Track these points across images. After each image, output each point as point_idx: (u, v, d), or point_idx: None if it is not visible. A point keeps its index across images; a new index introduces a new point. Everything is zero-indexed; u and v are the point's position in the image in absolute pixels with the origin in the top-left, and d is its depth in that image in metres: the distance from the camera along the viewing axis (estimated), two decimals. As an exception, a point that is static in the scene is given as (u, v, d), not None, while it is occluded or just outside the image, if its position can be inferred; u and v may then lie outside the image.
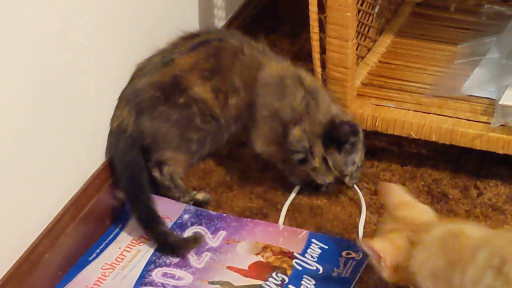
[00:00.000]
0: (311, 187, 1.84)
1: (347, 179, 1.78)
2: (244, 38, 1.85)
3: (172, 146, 1.82)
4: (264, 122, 1.80)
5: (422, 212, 1.63)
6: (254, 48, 1.83)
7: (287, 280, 1.65)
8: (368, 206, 1.80)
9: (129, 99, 1.80)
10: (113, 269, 1.70)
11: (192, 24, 2.03)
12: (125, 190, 1.76)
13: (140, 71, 1.82)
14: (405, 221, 1.59)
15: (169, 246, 1.72)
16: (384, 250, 1.56)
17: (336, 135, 1.75)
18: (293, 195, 1.86)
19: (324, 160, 1.75)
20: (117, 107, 1.80)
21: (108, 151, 1.79)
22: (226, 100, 1.82)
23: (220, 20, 2.16)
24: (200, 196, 1.85)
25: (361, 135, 1.75)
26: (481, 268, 1.45)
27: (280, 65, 1.81)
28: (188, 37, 1.86)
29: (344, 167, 1.75)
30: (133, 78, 1.82)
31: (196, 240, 1.72)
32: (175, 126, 1.81)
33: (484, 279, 1.45)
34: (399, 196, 1.64)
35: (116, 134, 1.78)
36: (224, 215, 1.82)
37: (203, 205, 1.83)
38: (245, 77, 1.81)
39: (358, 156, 1.76)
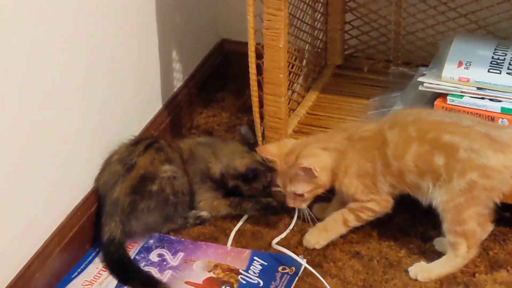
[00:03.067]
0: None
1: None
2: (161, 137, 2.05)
3: (160, 224, 1.94)
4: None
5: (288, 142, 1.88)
6: (172, 142, 2.02)
7: (234, 292, 1.77)
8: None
9: (111, 212, 1.86)
10: (92, 285, 1.79)
11: (155, 82, 2.14)
12: (120, 279, 1.82)
13: (106, 185, 1.89)
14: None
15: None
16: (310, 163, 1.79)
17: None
18: (240, 223, 1.96)
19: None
20: (104, 223, 1.86)
21: (101, 260, 1.85)
22: (183, 177, 1.97)
23: (178, 81, 2.26)
24: (204, 214, 1.98)
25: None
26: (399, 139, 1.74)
27: (187, 146, 2.03)
28: (133, 144, 1.96)
29: None
30: (104, 193, 1.89)
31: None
32: (157, 210, 1.91)
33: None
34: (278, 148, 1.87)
35: (107, 245, 1.85)
36: (182, 239, 1.92)
37: (206, 221, 1.96)
38: (180, 162, 1.99)
39: None
